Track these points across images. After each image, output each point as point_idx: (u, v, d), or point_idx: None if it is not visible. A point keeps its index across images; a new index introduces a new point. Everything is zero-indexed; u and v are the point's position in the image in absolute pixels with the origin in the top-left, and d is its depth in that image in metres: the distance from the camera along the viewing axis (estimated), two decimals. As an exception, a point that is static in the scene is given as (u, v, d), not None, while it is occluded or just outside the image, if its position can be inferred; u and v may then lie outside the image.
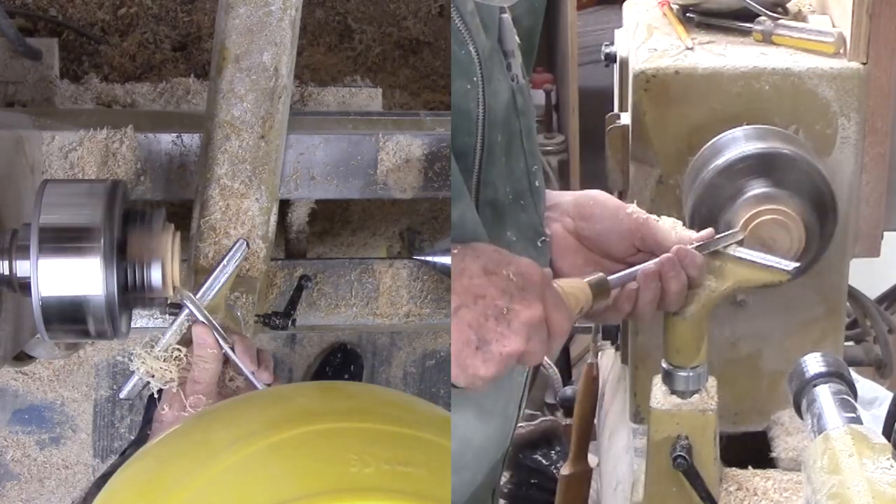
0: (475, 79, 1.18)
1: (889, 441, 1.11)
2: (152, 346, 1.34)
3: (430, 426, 0.91)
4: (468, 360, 1.12)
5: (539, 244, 1.32)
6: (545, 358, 2.73)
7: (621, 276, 1.29)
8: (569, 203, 1.36)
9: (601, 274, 1.27)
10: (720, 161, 1.50)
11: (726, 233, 1.38)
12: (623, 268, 1.32)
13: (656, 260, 1.29)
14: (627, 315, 1.30)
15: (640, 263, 1.28)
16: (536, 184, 1.31)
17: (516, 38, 1.31)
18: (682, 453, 1.37)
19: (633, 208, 1.33)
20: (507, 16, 1.31)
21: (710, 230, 1.36)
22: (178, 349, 1.34)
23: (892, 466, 1.07)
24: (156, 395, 1.36)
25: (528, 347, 1.15)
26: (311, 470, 0.82)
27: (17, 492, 2.70)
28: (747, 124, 1.53)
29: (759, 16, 1.65)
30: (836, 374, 1.25)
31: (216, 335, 1.35)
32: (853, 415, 1.18)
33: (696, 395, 1.39)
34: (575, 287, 1.24)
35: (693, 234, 1.34)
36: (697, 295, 1.35)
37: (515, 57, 1.30)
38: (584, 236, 1.33)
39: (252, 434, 0.86)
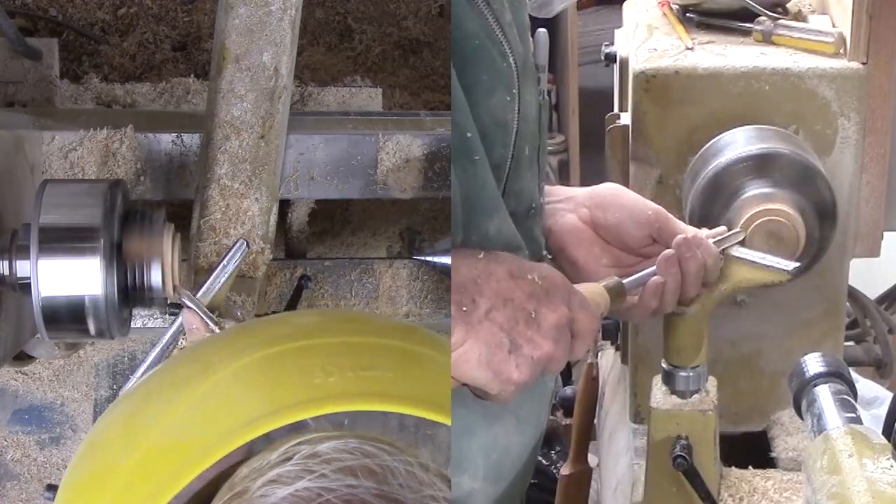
0: (514, 91, 1.17)
1: (889, 441, 1.11)
2: None
3: (393, 333, 0.93)
4: (501, 364, 1.09)
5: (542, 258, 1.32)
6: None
7: (636, 278, 1.28)
8: (585, 195, 1.35)
9: (616, 278, 1.27)
10: (720, 161, 1.50)
11: (733, 231, 1.38)
12: (638, 260, 1.32)
13: (674, 241, 1.29)
14: (654, 311, 1.29)
15: (655, 255, 1.28)
16: (542, 200, 1.31)
17: (547, 54, 1.31)
18: (682, 453, 1.37)
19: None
20: (543, 31, 1.31)
21: (722, 227, 1.36)
22: None
23: (892, 466, 1.07)
24: None
25: (556, 351, 1.13)
26: (274, 388, 0.84)
27: (17, 492, 2.70)
28: (747, 124, 1.54)
29: (759, 16, 1.65)
30: (836, 374, 1.25)
31: (205, 318, 1.35)
32: (853, 415, 1.18)
33: (696, 395, 1.39)
34: (593, 291, 1.23)
35: (706, 231, 1.34)
36: (706, 294, 1.35)
37: (545, 73, 1.29)
38: (601, 225, 1.33)
39: (215, 364, 0.89)
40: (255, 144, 1.63)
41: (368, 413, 0.81)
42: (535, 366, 1.11)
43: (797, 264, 1.37)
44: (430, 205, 2.05)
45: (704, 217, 1.48)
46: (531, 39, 1.28)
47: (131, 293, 1.43)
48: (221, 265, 1.42)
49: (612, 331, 1.83)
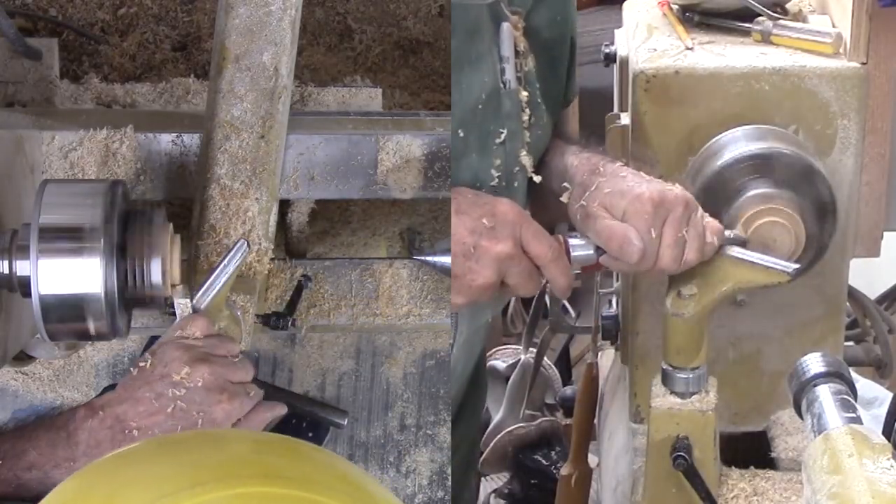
0: (456, 76, 1.37)
1: (889, 441, 1.11)
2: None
3: (343, 492, 0.90)
4: (452, 285, 1.30)
5: None
6: (544, 358, 2.74)
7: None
8: None
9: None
10: (720, 161, 1.50)
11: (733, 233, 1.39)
12: None
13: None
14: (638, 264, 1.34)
15: None
16: (515, 184, 1.36)
17: (515, 45, 1.36)
18: (682, 453, 1.37)
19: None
20: (506, 24, 1.36)
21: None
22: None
23: (892, 466, 1.07)
24: None
25: (510, 280, 1.27)
26: None
27: (17, 492, 2.70)
28: (747, 124, 1.54)
29: (758, 16, 1.65)
30: (836, 374, 1.25)
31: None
32: (853, 415, 1.18)
33: (695, 396, 1.39)
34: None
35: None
36: (698, 296, 1.35)
37: (510, 63, 1.36)
38: None
39: (174, 493, 0.85)
40: (255, 144, 1.64)
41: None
42: (476, 292, 1.28)
43: (797, 265, 1.38)
44: (430, 205, 2.05)
45: (704, 217, 1.48)
46: (504, 28, 1.35)
47: (131, 293, 1.43)
48: (221, 265, 1.42)
49: (612, 331, 1.83)
